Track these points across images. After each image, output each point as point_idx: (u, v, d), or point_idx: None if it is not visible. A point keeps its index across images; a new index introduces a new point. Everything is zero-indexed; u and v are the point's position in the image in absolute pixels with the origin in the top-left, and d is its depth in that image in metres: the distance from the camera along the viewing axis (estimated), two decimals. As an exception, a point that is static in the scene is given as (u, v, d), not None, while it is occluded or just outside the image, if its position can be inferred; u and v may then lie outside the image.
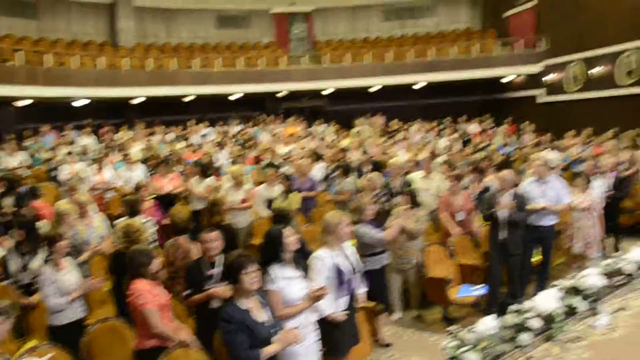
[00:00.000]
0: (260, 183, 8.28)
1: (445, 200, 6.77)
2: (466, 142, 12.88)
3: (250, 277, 3.22)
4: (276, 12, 21.49)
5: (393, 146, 11.84)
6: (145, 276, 3.86)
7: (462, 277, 6.07)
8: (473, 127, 15.47)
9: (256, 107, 19.80)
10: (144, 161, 10.33)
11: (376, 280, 5.24)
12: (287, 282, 3.63)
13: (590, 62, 16.44)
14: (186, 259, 4.95)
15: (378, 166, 8.88)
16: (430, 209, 7.08)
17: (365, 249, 5.24)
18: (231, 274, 3.26)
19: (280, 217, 5.01)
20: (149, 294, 3.78)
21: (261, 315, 3.26)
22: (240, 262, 3.24)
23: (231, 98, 18.55)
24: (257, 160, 11.55)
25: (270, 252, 3.71)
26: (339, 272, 3.92)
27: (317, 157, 10.05)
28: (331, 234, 3.99)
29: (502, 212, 5.74)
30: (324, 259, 3.92)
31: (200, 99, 17.97)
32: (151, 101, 17.33)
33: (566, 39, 17.47)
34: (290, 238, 3.75)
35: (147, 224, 5.91)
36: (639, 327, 3.07)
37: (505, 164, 8.01)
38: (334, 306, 3.89)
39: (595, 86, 16.20)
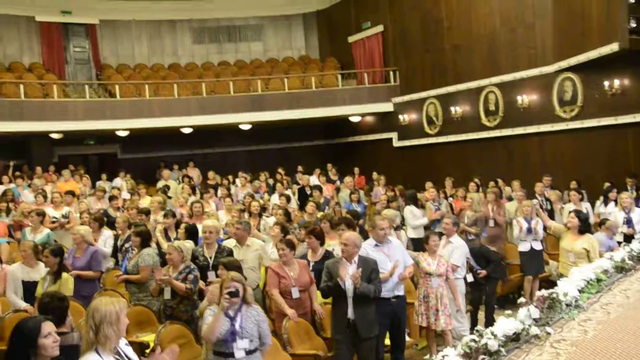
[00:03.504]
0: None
1: (275, 274, 6.81)
2: (304, 199, 13.26)
3: None
4: (44, 20, 20.59)
5: (207, 205, 11.79)
6: None
7: (301, 373, 6.07)
8: (312, 180, 16.01)
9: (16, 153, 18.61)
10: None
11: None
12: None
13: (447, 100, 18.15)
14: None
15: (191, 232, 8.77)
16: (253, 286, 7.10)
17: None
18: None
19: (63, 302, 4.68)
20: None
21: None
22: None
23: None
24: (17, 227, 10.85)
25: (15, 355, 3.47)
26: None
27: (102, 222, 9.65)
28: (112, 326, 3.75)
29: (349, 284, 5.90)
30: None
31: None
32: None
33: (419, 72, 19.21)
34: (50, 338, 3.52)
35: None
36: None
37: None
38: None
39: (456, 128, 17.89)
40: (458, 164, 17.28)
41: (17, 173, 16.12)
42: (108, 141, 20.52)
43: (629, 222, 9.81)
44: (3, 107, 16.88)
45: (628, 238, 9.16)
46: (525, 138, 15.98)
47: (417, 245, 9.47)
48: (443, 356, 3.58)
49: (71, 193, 12.93)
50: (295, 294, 6.71)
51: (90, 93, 19.03)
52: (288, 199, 12.22)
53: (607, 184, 12.00)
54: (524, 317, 4.44)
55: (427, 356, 3.59)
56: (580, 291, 5.28)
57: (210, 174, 17.06)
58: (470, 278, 8.07)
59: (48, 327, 3.52)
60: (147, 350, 6.48)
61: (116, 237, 9.77)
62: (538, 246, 9.39)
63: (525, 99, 15.74)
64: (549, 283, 8.53)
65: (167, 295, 6.86)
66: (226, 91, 19.43)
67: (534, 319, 4.54)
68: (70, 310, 6.74)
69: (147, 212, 10.55)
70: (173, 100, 18.83)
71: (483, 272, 8.15)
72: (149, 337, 6.69)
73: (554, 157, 15.22)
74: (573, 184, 12.34)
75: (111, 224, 10.71)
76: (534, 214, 9.25)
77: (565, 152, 14.97)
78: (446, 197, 12.76)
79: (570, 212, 8.07)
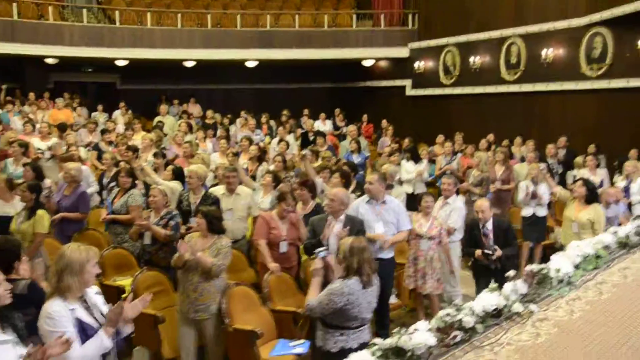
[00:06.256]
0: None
1: (265, 223, 6.80)
2: (307, 145, 13.22)
3: None
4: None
5: (203, 145, 11.78)
6: None
7: (279, 329, 6.12)
8: (317, 125, 15.95)
9: (9, 77, 18.56)
10: None
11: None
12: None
13: (467, 49, 17.86)
14: None
15: (177, 174, 8.74)
16: (235, 237, 7.15)
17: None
18: None
19: (6, 252, 4.67)
20: None
21: None
22: None
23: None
24: (2, 157, 10.84)
25: None
26: (83, 331, 3.80)
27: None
28: (74, 276, 3.83)
29: (332, 243, 5.92)
30: (59, 316, 3.74)
31: None
32: None
33: (439, 17, 18.87)
34: (1, 287, 3.58)
35: None
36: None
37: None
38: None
39: (473, 80, 17.67)
40: (473, 118, 17.14)
41: (9, 98, 16.08)
42: (107, 70, 20.41)
43: (626, 190, 9.73)
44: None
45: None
46: (546, 95, 15.75)
47: (411, 201, 9.40)
48: (414, 329, 3.55)
49: (62, 125, 12.87)
50: (283, 247, 6.74)
51: (89, 17, 18.83)
52: (287, 145, 12.14)
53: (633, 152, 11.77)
54: (510, 292, 4.39)
55: (397, 329, 3.56)
56: (575, 267, 5.21)
57: (209, 112, 17.02)
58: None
59: (-3, 276, 3.55)
60: (123, 296, 6.56)
61: (102, 174, 9.79)
62: (542, 212, 9.33)
63: (550, 53, 15.45)
64: (554, 250, 8.49)
65: (146, 240, 6.92)
66: (233, 25, 19.27)
67: (521, 294, 4.50)
68: (49, 248, 6.90)
69: (135, 150, 10.50)
70: (176, 31, 18.69)
71: (498, 252, 6.84)
72: (126, 282, 6.75)
73: (575, 117, 14.97)
74: (591, 148, 12.13)
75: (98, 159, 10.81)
76: (541, 178, 9.15)
77: (588, 113, 14.70)
78: (454, 153, 12.67)
79: (576, 180, 7.99)
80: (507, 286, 4.46)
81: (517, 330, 4.03)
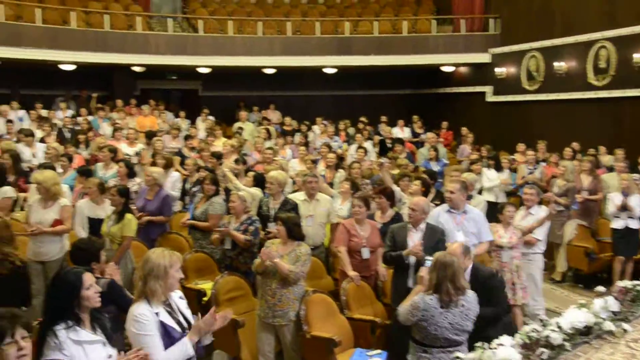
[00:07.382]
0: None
1: (346, 230, 6.77)
2: (385, 152, 13.13)
3: (14, 349, 3.00)
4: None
5: (284, 152, 11.83)
6: None
7: (356, 338, 6.08)
8: (396, 132, 15.84)
9: (100, 85, 19.20)
10: None
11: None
12: (79, 349, 3.53)
13: (552, 53, 17.38)
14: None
15: (258, 180, 8.80)
16: (315, 244, 7.17)
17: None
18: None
19: (84, 252, 4.78)
20: None
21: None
22: None
23: (62, 68, 17.77)
24: (92, 161, 11.18)
25: (58, 306, 3.60)
26: (167, 333, 3.87)
27: (171, 163, 9.82)
28: (159, 281, 3.90)
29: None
30: (144, 319, 3.82)
31: (7, 66, 16.80)
32: None
33: (522, 21, 18.41)
34: (92, 289, 3.65)
35: None
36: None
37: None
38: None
39: (558, 86, 17.13)
40: (557, 126, 16.54)
41: (99, 105, 16.64)
42: (190, 77, 20.77)
43: None
44: (88, 37, 17.30)
45: None
46: (637, 101, 14.99)
47: (492, 209, 9.18)
48: (498, 344, 3.45)
49: (150, 132, 13.15)
50: (366, 254, 6.70)
51: (174, 26, 19.28)
52: (365, 152, 12.08)
53: None
54: (600, 309, 4.22)
55: (479, 343, 3.47)
56: (672, 284, 4.96)
57: (287, 119, 17.16)
58: None
59: (89, 278, 3.66)
60: (204, 299, 6.65)
61: (185, 180, 9.96)
62: (634, 225, 8.83)
63: (643, 56, 14.76)
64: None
65: (227, 245, 7.02)
66: (312, 32, 19.30)
67: (612, 312, 4.31)
68: (135, 251, 7.08)
69: (219, 156, 10.64)
70: (256, 39, 18.87)
71: None
72: (207, 285, 6.83)
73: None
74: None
75: (182, 165, 10.97)
76: (633, 189, 8.77)
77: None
78: (537, 162, 12.33)
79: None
80: (597, 302, 4.29)
81: (609, 350, 3.87)
